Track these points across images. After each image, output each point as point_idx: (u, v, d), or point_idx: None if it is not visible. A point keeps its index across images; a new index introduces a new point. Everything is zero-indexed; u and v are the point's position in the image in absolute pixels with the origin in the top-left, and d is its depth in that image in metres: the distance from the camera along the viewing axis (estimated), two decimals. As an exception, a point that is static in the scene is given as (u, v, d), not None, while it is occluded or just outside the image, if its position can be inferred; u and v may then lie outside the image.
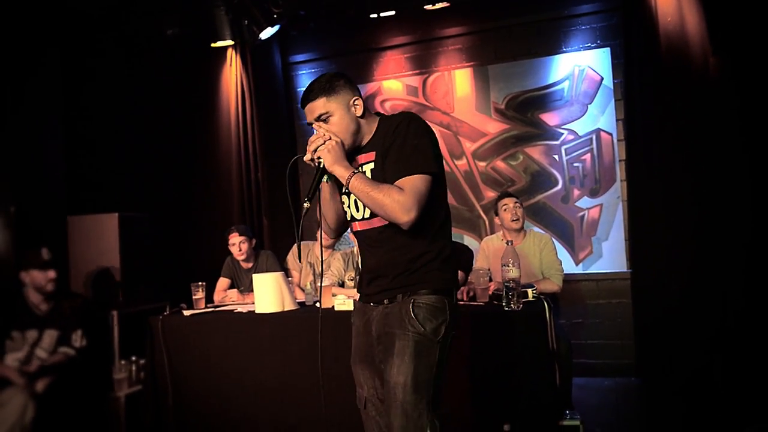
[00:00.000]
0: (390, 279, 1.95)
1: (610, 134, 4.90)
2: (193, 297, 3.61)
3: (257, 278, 3.32)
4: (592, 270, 4.91)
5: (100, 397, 3.63)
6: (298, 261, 4.24)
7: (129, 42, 4.77)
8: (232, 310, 3.48)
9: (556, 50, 5.04)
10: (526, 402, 2.70)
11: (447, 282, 1.94)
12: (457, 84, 5.30)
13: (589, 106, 4.94)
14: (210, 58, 5.28)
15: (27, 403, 2.97)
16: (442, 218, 1.99)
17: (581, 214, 4.95)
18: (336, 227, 2.15)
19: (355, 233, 2.09)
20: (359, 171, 1.92)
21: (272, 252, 4.36)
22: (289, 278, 3.71)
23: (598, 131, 4.93)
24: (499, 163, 5.18)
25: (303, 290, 3.75)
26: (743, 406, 3.42)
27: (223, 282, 4.19)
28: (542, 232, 4.35)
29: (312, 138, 1.94)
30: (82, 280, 4.03)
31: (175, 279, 4.24)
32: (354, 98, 1.96)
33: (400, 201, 1.79)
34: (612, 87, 4.89)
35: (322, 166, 1.90)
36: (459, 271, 3.56)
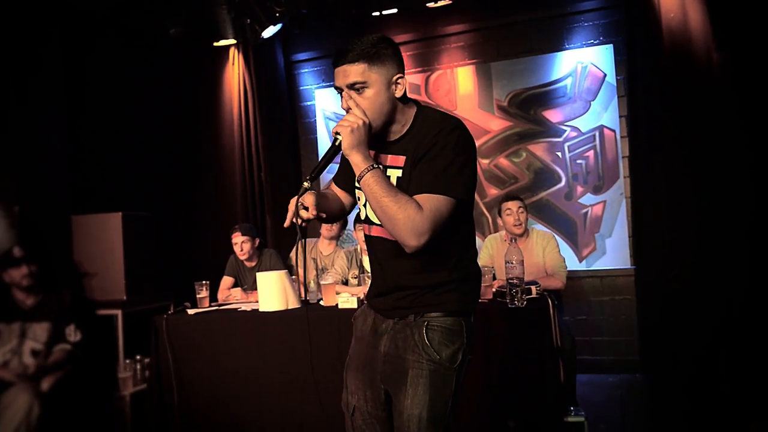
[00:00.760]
0: (402, 297, 1.73)
1: (614, 131, 4.89)
2: (197, 296, 3.62)
3: (261, 276, 3.33)
4: (596, 267, 4.90)
5: (106, 396, 3.64)
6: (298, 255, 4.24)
7: (132, 41, 4.77)
8: (236, 309, 3.49)
9: (558, 47, 5.03)
10: (531, 398, 2.70)
11: (465, 304, 1.73)
12: (460, 81, 5.30)
13: (592, 102, 4.94)
14: (212, 57, 5.28)
15: (32, 402, 2.98)
16: (465, 240, 1.75)
17: (584, 211, 4.95)
18: (327, 219, 1.86)
19: (368, 238, 1.83)
20: (379, 168, 1.64)
21: (276, 250, 4.37)
22: (293, 276, 3.71)
23: (601, 128, 4.92)
24: (503, 161, 5.17)
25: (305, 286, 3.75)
26: (749, 401, 3.41)
27: (226, 281, 4.20)
28: (546, 230, 4.35)
29: (340, 121, 1.64)
30: (85, 279, 4.04)
31: (179, 278, 4.24)
32: (398, 75, 1.65)
33: (414, 221, 1.52)
34: (615, 84, 4.88)
35: (338, 143, 1.62)
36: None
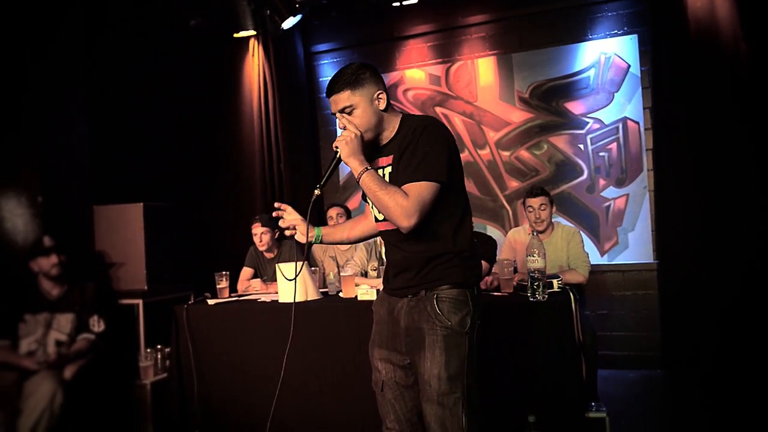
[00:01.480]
0: (413, 275, 1.98)
1: (637, 123, 4.82)
2: (217, 286, 3.64)
3: (280, 268, 3.33)
4: (618, 261, 4.85)
5: (127, 384, 3.68)
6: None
7: (152, 33, 4.79)
8: (256, 300, 3.50)
9: (581, 38, 4.96)
10: (552, 393, 2.67)
11: (467, 277, 1.98)
12: (481, 73, 5.25)
13: (615, 94, 4.86)
14: (232, 48, 5.28)
15: (56, 390, 3.02)
16: (459, 219, 2.00)
17: (607, 204, 4.89)
18: (356, 240, 2.36)
19: (382, 233, 2.12)
20: (373, 169, 1.94)
21: (295, 242, 4.37)
22: (313, 268, 3.71)
23: (624, 120, 4.84)
24: (523, 153, 5.12)
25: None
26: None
27: (246, 271, 4.21)
28: (571, 225, 4.30)
29: (338, 137, 1.98)
30: (106, 268, 4.08)
31: (199, 268, 4.27)
32: (378, 92, 1.98)
33: (402, 206, 1.83)
34: (639, 75, 4.80)
35: (338, 155, 1.96)
36: (483, 262, 3.54)
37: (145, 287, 3.99)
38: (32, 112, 3.77)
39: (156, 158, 4.70)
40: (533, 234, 2.88)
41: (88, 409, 3.29)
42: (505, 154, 5.17)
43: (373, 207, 2.08)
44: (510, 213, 5.17)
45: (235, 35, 4.99)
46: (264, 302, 3.40)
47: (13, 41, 3.71)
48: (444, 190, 1.89)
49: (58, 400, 3.02)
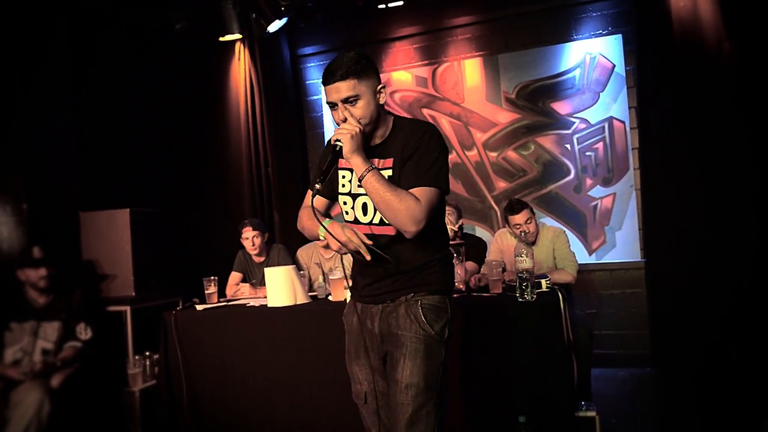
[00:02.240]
0: (393, 280, 1.94)
1: (623, 122, 4.84)
2: (206, 291, 3.62)
3: (269, 272, 3.32)
4: (606, 260, 4.87)
5: (115, 391, 3.65)
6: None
7: (137, 37, 4.77)
8: (245, 304, 3.48)
9: (566, 38, 4.98)
10: (542, 393, 2.68)
11: (447, 282, 1.98)
12: (467, 74, 5.26)
13: (601, 94, 4.89)
14: (218, 52, 5.27)
15: (43, 399, 2.99)
16: (442, 227, 2.04)
17: (594, 203, 4.91)
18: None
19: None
20: (376, 168, 1.85)
21: (284, 245, 4.36)
22: (301, 272, 3.70)
23: (610, 119, 4.87)
24: (511, 153, 5.14)
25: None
26: (762, 395, 3.38)
27: (235, 276, 4.19)
28: (556, 224, 4.31)
29: (338, 130, 1.85)
30: (93, 276, 4.05)
31: (188, 274, 4.25)
32: (380, 85, 1.89)
33: (414, 210, 1.76)
34: (624, 74, 4.83)
35: (338, 149, 1.83)
36: (471, 262, 3.55)
37: (133, 293, 3.96)
38: (17, 118, 3.74)
39: (143, 163, 4.68)
40: (521, 234, 2.88)
41: (77, 418, 3.25)
42: (493, 155, 5.18)
43: (353, 209, 1.99)
44: (498, 214, 5.18)
45: (221, 39, 4.97)
46: (253, 307, 3.38)
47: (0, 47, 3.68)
48: (443, 199, 1.91)
49: (45, 409, 2.98)
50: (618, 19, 4.84)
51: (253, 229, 4.08)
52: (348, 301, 2.15)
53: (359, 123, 1.84)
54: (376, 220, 1.94)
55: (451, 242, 3.19)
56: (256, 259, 4.17)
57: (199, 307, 3.45)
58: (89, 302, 3.63)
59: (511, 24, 5.15)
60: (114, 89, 4.51)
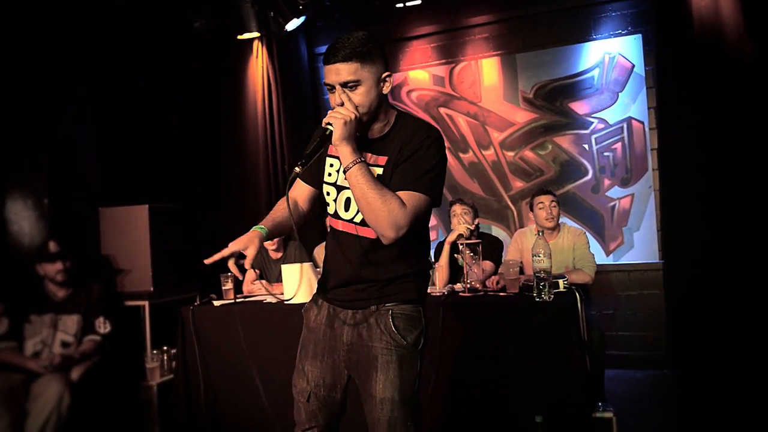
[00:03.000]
0: (364, 287, 1.82)
1: (642, 123, 4.81)
2: (223, 287, 3.64)
3: (285, 268, 3.33)
4: (624, 261, 4.84)
5: (133, 385, 3.69)
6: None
7: (157, 35, 4.81)
8: (261, 300, 3.50)
9: (585, 38, 4.95)
10: (558, 394, 2.67)
11: (420, 292, 1.85)
12: (485, 73, 5.24)
13: (619, 94, 4.85)
14: (236, 50, 5.30)
15: (63, 391, 3.03)
16: (425, 239, 1.92)
17: (612, 204, 4.88)
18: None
19: (333, 231, 1.91)
20: (364, 161, 1.70)
21: (300, 243, 4.37)
22: (318, 269, 3.70)
23: (629, 120, 4.84)
24: (528, 153, 5.12)
25: None
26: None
27: (251, 273, 4.21)
28: (577, 226, 4.29)
29: (331, 113, 1.69)
30: (112, 271, 4.09)
31: (205, 269, 4.26)
32: (386, 73, 1.73)
33: (397, 215, 1.62)
34: (643, 74, 4.79)
35: (329, 133, 1.67)
36: (488, 262, 3.54)
37: (151, 289, 4.00)
38: (38, 114, 3.79)
39: (161, 160, 4.72)
40: (539, 234, 2.87)
41: (95, 411, 3.30)
42: (510, 154, 5.17)
43: (335, 200, 1.86)
44: (515, 213, 5.17)
45: (239, 37, 5.01)
46: (269, 303, 3.40)
47: (18, 43, 3.73)
48: (431, 210, 1.77)
49: (65, 401, 3.02)
50: (638, 19, 4.80)
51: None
52: (314, 295, 2.01)
53: (356, 110, 1.68)
54: (358, 219, 1.80)
55: (467, 241, 3.19)
56: (273, 256, 4.19)
57: (216, 303, 3.48)
58: (108, 297, 3.67)
59: (529, 23, 5.13)
60: (134, 87, 4.55)
